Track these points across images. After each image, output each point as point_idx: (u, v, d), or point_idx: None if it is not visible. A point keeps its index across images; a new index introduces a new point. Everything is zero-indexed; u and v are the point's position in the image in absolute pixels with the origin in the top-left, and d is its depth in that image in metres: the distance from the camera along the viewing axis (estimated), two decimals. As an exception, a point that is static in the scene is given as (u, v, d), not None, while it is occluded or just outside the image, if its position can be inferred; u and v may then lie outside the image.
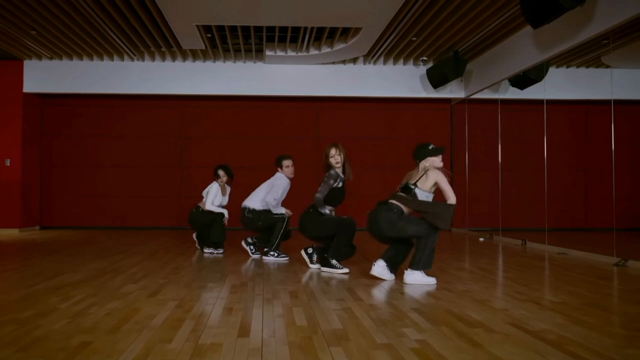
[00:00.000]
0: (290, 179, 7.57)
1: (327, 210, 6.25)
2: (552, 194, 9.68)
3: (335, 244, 6.13)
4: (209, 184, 8.15)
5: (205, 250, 8.01)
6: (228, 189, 8.32)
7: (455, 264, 6.95)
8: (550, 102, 9.69)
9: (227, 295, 4.66)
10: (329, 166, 6.29)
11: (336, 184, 6.24)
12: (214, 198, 7.97)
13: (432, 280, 5.40)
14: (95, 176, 12.48)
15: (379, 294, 4.87)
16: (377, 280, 5.55)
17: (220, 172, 8.10)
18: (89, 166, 12.48)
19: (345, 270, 6.07)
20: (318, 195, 6.20)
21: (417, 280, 5.34)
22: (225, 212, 7.96)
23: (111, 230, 11.96)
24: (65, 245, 9.02)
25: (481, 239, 10.71)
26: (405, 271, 5.40)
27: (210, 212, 7.88)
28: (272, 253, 7.31)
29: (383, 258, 5.58)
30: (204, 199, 8.03)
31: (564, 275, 6.10)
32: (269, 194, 7.39)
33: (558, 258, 7.73)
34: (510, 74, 10.18)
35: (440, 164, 5.52)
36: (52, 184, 12.47)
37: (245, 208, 7.47)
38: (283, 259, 7.24)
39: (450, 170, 12.61)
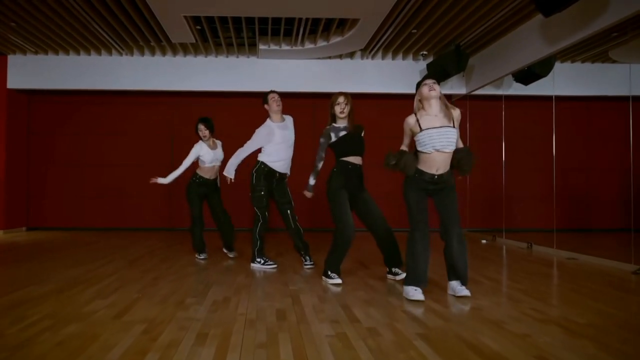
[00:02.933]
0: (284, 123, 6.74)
1: (311, 182, 5.88)
2: (561, 194, 9.07)
3: (330, 254, 5.51)
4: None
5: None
6: (218, 143, 7.47)
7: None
8: (560, 99, 9.03)
9: (205, 316, 3.98)
10: (332, 117, 5.65)
11: (334, 137, 5.58)
12: (193, 158, 7.33)
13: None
14: (84, 175, 11.77)
15: (378, 313, 4.16)
16: (376, 294, 4.89)
17: (201, 126, 7.28)
18: (77, 165, 11.76)
19: (337, 280, 5.42)
20: (315, 163, 5.79)
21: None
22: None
23: (101, 232, 11.26)
24: (47, 249, 8.36)
25: (483, 241, 10.06)
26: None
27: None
28: (258, 260, 6.54)
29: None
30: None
31: (581, 286, 5.41)
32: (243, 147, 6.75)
33: (569, 264, 7.07)
34: (515, 69, 9.50)
35: None
36: (39, 183, 11.75)
37: None
38: (270, 267, 6.49)
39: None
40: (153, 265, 6.60)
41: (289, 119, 6.76)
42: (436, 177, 4.69)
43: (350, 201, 5.55)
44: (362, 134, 5.71)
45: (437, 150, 4.62)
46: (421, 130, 4.66)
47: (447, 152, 4.66)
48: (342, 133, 5.56)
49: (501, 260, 7.55)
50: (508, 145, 10.32)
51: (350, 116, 5.63)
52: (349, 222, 5.42)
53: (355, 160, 5.57)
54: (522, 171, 11.12)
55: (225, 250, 7.49)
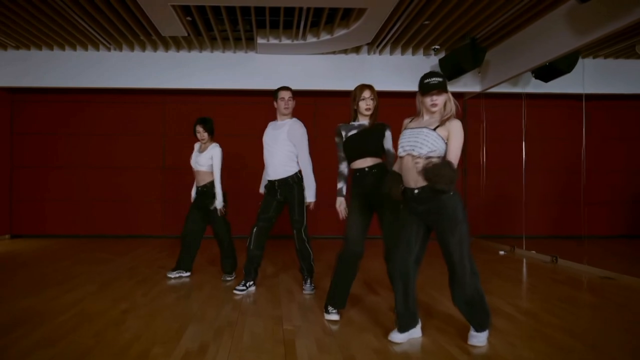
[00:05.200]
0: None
1: (339, 185, 4.68)
2: (590, 198, 8.12)
3: (332, 284, 4.51)
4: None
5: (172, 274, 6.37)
6: (211, 146, 6.33)
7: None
8: (590, 98, 8.03)
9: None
10: (355, 114, 4.60)
11: (344, 136, 4.58)
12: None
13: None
14: (71, 179, 10.75)
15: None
16: (388, 341, 3.88)
17: (199, 128, 6.26)
18: (64, 167, 10.74)
19: (333, 317, 4.44)
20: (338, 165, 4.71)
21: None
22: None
23: (88, 240, 10.26)
24: (21, 263, 7.39)
25: (501, 252, 9.02)
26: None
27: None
28: (239, 286, 5.63)
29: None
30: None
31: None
32: None
33: (608, 287, 6.03)
34: (537, 64, 8.47)
35: None
36: (23, 187, 10.75)
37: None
38: (238, 292, 5.54)
39: (463, 171, 10.98)
40: (127, 290, 5.56)
41: (290, 121, 5.66)
42: (416, 192, 3.68)
43: (378, 215, 4.55)
44: (385, 132, 4.56)
45: (408, 153, 3.69)
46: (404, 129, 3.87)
47: (419, 157, 3.65)
48: (352, 132, 4.54)
49: (526, 280, 6.52)
50: (529, 146, 9.30)
51: (374, 114, 4.59)
52: (350, 237, 4.40)
53: (363, 163, 4.47)
54: (545, 173, 10.13)
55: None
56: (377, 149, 4.50)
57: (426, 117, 3.79)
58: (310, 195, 5.50)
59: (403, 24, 8.55)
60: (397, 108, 9.58)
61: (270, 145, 5.61)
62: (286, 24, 8.70)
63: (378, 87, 4.66)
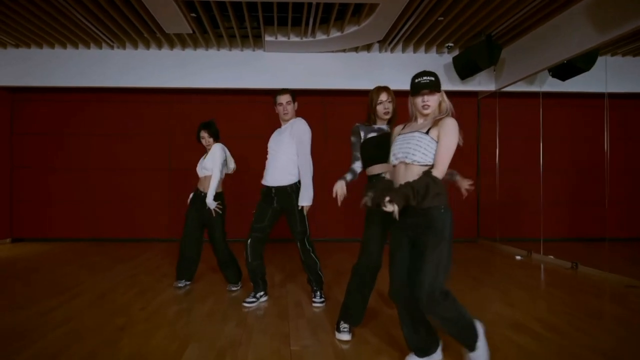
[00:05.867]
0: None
1: (346, 176, 4.14)
2: (612, 200, 7.74)
3: (347, 299, 4.15)
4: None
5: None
6: (215, 147, 5.98)
7: (503, 311, 4.89)
8: (612, 96, 7.64)
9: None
10: (371, 118, 4.20)
11: (363, 136, 4.18)
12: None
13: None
14: (73, 180, 10.42)
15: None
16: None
17: (203, 133, 5.93)
18: (66, 169, 10.42)
19: (344, 337, 4.06)
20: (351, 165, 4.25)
21: None
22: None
23: (92, 244, 9.95)
24: (19, 269, 7.06)
25: (518, 257, 8.63)
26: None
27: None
28: (248, 298, 5.30)
29: None
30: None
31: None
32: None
33: (633, 297, 5.64)
34: (556, 61, 8.08)
35: None
36: (24, 189, 10.43)
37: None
38: (247, 304, 5.20)
39: (477, 171, 10.59)
40: (125, 302, 5.22)
41: (294, 122, 5.27)
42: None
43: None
44: None
45: (401, 161, 3.29)
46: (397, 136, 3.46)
47: (413, 165, 3.24)
48: (372, 135, 4.17)
49: (549, 289, 6.12)
50: (547, 146, 8.91)
51: (393, 117, 4.22)
52: (367, 250, 4.00)
53: (380, 169, 4.10)
54: (563, 174, 9.73)
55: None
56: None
57: (420, 120, 3.41)
58: (305, 198, 5.07)
59: (416, 20, 8.17)
60: (408, 108, 9.09)
61: (273, 149, 5.25)
62: (295, 20, 8.34)
63: (389, 86, 4.28)
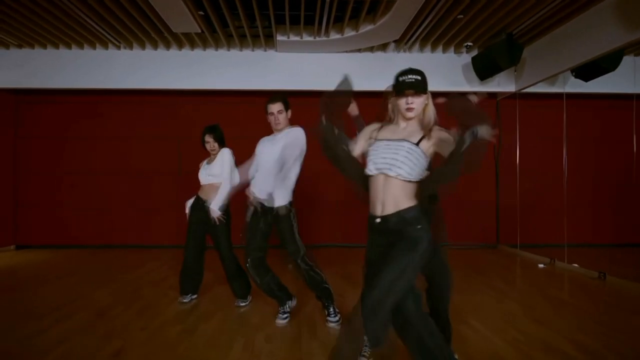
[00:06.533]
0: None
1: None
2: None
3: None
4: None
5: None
6: (223, 151, 5.67)
7: (530, 329, 4.49)
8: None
9: None
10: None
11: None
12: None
13: None
14: (80, 185, 10.09)
15: None
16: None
17: (208, 138, 5.60)
18: (72, 173, 10.09)
19: None
20: None
21: None
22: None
23: (98, 251, 9.63)
24: (18, 281, 6.73)
25: (541, 265, 8.23)
26: None
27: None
28: (280, 315, 4.96)
29: None
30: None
31: None
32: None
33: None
34: (580, 62, 7.68)
35: None
36: (29, 194, 10.11)
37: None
38: (282, 321, 4.86)
39: (496, 174, 10.19)
40: (124, 321, 4.82)
41: (289, 132, 4.87)
42: (378, 220, 2.87)
43: None
44: None
45: (381, 172, 2.88)
46: (376, 140, 3.03)
47: (395, 178, 2.85)
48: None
49: (576, 304, 5.72)
50: (570, 148, 8.51)
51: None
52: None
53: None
54: (587, 177, 9.35)
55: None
56: None
57: (402, 124, 3.05)
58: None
59: (434, 18, 7.80)
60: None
61: (264, 160, 4.91)
62: (307, 19, 7.98)
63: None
